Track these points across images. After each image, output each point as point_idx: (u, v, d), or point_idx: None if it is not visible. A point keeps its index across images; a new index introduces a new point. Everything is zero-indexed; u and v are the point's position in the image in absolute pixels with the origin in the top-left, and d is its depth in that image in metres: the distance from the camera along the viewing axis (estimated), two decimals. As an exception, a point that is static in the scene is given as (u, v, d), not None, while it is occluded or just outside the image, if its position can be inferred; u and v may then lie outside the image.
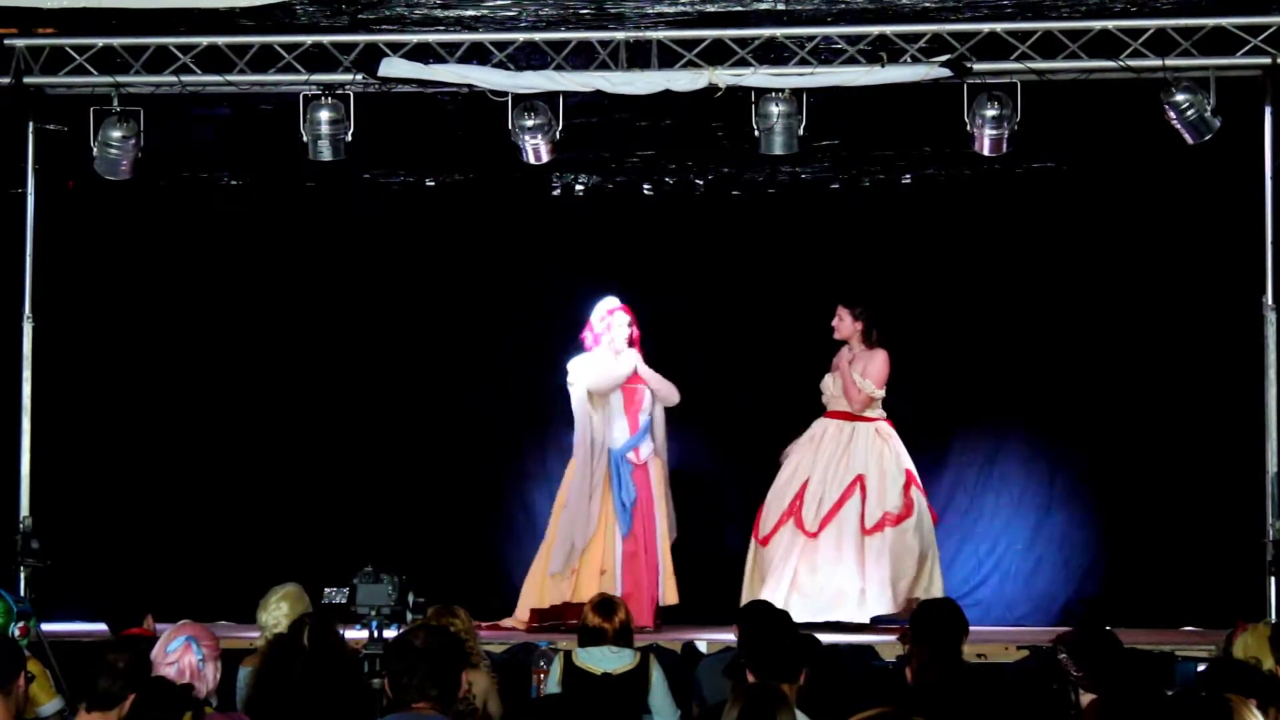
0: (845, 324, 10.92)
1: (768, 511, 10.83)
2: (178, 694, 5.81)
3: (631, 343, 10.84)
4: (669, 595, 10.70)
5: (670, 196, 12.35)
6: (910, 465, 10.79)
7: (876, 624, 10.45)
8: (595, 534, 10.62)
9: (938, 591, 10.55)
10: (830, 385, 10.94)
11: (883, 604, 10.53)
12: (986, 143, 10.28)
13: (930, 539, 10.79)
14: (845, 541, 10.58)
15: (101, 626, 8.41)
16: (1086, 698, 5.69)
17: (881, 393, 10.78)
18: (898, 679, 7.62)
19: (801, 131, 10.26)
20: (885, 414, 10.86)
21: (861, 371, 10.76)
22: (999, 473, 12.05)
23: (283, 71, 10.47)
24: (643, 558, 10.63)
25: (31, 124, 10.84)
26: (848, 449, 10.76)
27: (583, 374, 10.73)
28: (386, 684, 5.27)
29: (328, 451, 12.12)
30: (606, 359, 10.76)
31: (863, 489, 10.65)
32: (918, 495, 10.79)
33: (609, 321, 10.80)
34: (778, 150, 10.33)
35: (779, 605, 10.27)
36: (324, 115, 10.39)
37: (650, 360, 11.00)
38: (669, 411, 10.98)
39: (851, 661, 9.20)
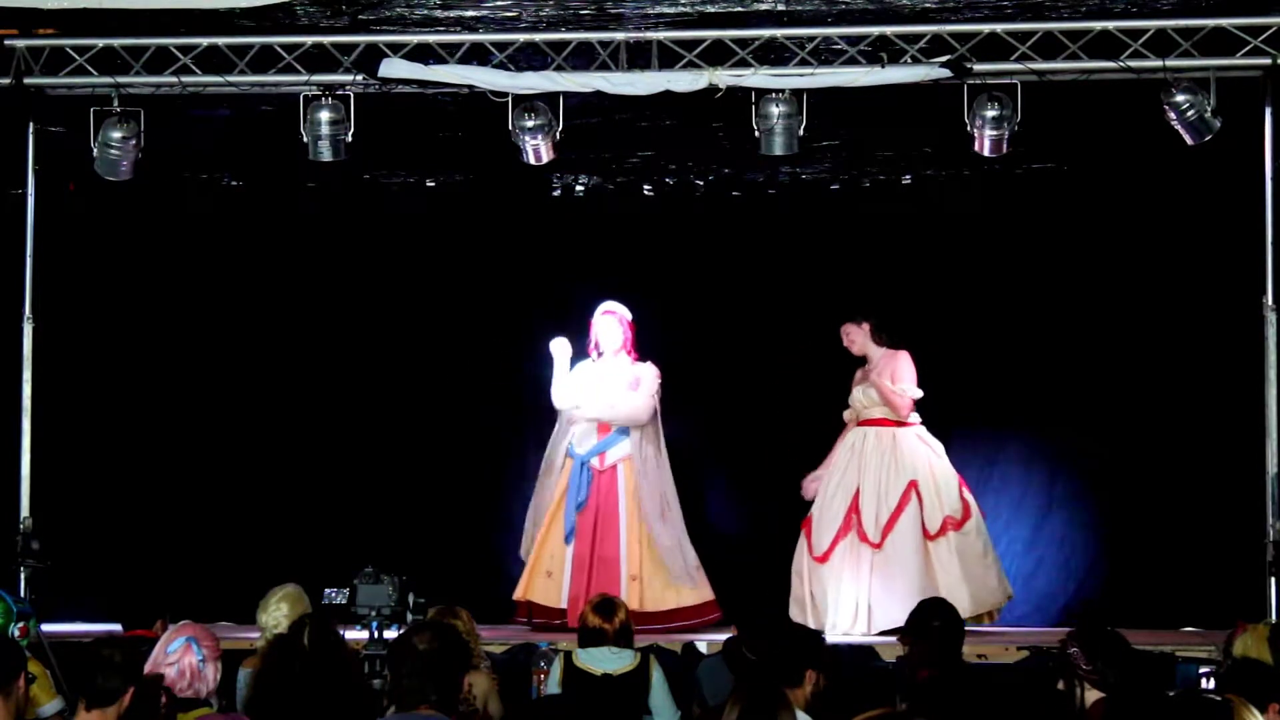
0: (856, 340, 10.90)
1: (820, 528, 10.67)
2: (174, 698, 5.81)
3: (625, 346, 10.83)
4: (631, 604, 10.59)
5: (670, 196, 12.36)
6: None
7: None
8: (542, 534, 10.66)
9: (1005, 589, 10.65)
10: (861, 398, 10.85)
11: (961, 608, 10.49)
12: (986, 143, 10.28)
13: (988, 538, 10.81)
14: (911, 549, 10.52)
15: (103, 626, 8.41)
16: (1091, 695, 5.69)
17: (920, 391, 10.76)
18: (898, 679, 7.62)
19: (801, 132, 10.26)
20: (920, 418, 10.87)
21: (891, 378, 10.73)
22: (999, 473, 12.05)
23: (283, 72, 10.47)
24: (597, 564, 10.53)
25: (31, 124, 10.84)
26: (894, 455, 10.70)
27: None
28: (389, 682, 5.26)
29: (328, 452, 12.12)
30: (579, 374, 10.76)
31: (919, 495, 10.61)
32: (970, 496, 10.80)
33: (597, 324, 10.82)
34: (778, 150, 10.33)
35: (855, 620, 10.35)
36: (324, 116, 10.40)
37: (649, 360, 10.99)
38: (668, 412, 10.98)
39: (851, 662, 9.20)
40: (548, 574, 10.59)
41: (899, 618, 10.25)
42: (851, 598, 10.50)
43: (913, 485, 10.62)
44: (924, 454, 10.75)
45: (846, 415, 11.00)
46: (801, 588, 10.73)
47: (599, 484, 10.68)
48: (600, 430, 10.76)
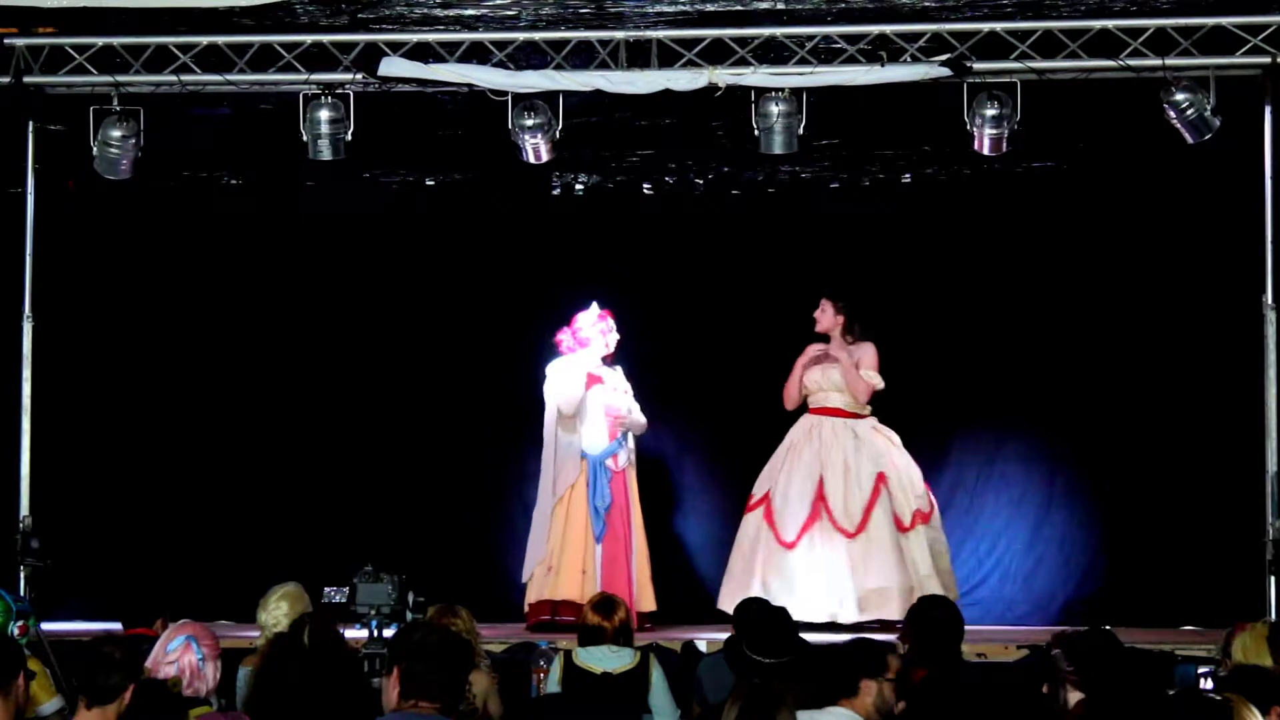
0: (827, 316, 10.86)
1: (785, 516, 10.59)
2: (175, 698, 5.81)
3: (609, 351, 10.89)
4: (645, 602, 10.70)
5: (670, 196, 12.36)
6: None
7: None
8: (575, 535, 10.64)
9: (954, 582, 10.64)
10: (819, 379, 10.84)
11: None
12: (986, 142, 10.28)
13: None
14: (888, 539, 10.50)
15: (103, 625, 8.41)
16: (1074, 696, 5.68)
17: (883, 382, 10.74)
18: (900, 679, 7.60)
19: (801, 131, 10.26)
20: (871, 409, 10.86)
21: (857, 364, 10.73)
22: (999, 472, 12.05)
23: (283, 71, 10.47)
24: (621, 563, 10.65)
25: (31, 124, 10.84)
26: (856, 445, 10.69)
27: (557, 386, 10.77)
28: (394, 677, 5.22)
29: (327, 451, 12.12)
30: (576, 374, 10.76)
31: (888, 487, 10.60)
32: (928, 491, 10.80)
33: (601, 328, 10.82)
34: (778, 150, 10.33)
35: (829, 609, 10.32)
36: (324, 115, 10.40)
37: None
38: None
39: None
40: (582, 572, 10.56)
41: (885, 608, 10.30)
42: (823, 586, 10.41)
43: (881, 477, 10.60)
44: (884, 445, 10.74)
45: (808, 394, 10.87)
46: (752, 573, 10.58)
47: (615, 485, 10.73)
48: (610, 433, 10.78)
